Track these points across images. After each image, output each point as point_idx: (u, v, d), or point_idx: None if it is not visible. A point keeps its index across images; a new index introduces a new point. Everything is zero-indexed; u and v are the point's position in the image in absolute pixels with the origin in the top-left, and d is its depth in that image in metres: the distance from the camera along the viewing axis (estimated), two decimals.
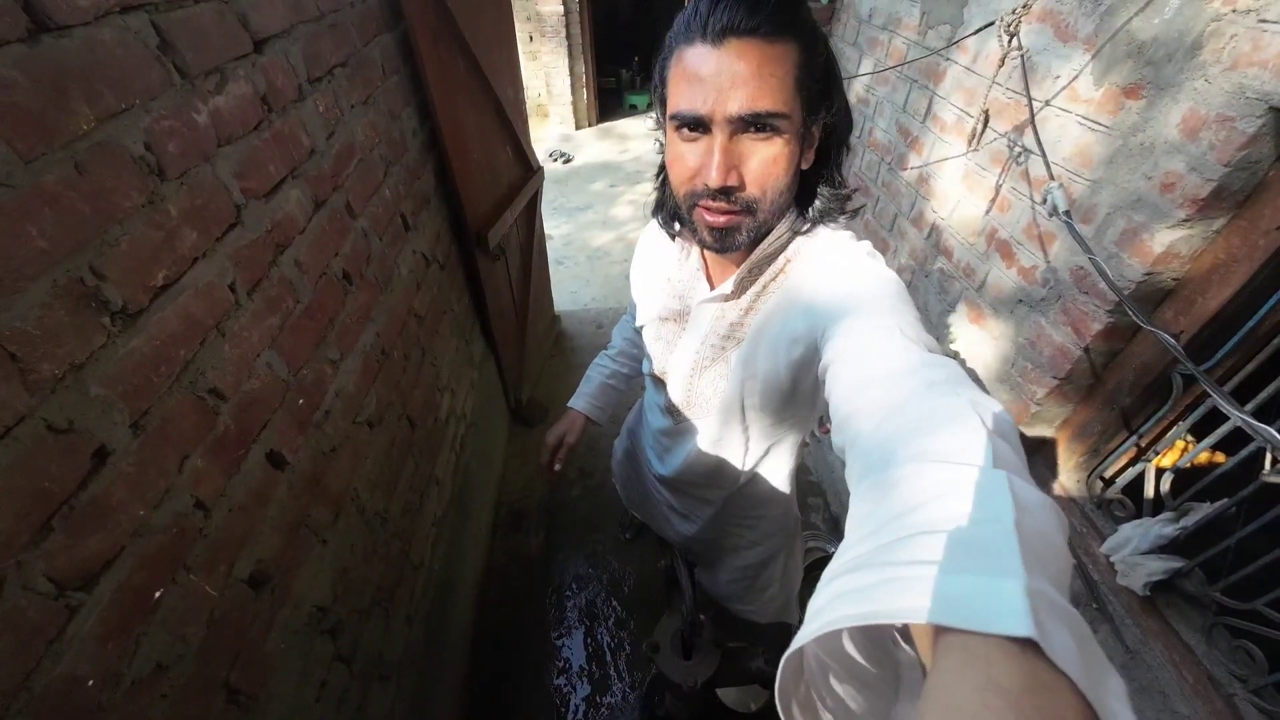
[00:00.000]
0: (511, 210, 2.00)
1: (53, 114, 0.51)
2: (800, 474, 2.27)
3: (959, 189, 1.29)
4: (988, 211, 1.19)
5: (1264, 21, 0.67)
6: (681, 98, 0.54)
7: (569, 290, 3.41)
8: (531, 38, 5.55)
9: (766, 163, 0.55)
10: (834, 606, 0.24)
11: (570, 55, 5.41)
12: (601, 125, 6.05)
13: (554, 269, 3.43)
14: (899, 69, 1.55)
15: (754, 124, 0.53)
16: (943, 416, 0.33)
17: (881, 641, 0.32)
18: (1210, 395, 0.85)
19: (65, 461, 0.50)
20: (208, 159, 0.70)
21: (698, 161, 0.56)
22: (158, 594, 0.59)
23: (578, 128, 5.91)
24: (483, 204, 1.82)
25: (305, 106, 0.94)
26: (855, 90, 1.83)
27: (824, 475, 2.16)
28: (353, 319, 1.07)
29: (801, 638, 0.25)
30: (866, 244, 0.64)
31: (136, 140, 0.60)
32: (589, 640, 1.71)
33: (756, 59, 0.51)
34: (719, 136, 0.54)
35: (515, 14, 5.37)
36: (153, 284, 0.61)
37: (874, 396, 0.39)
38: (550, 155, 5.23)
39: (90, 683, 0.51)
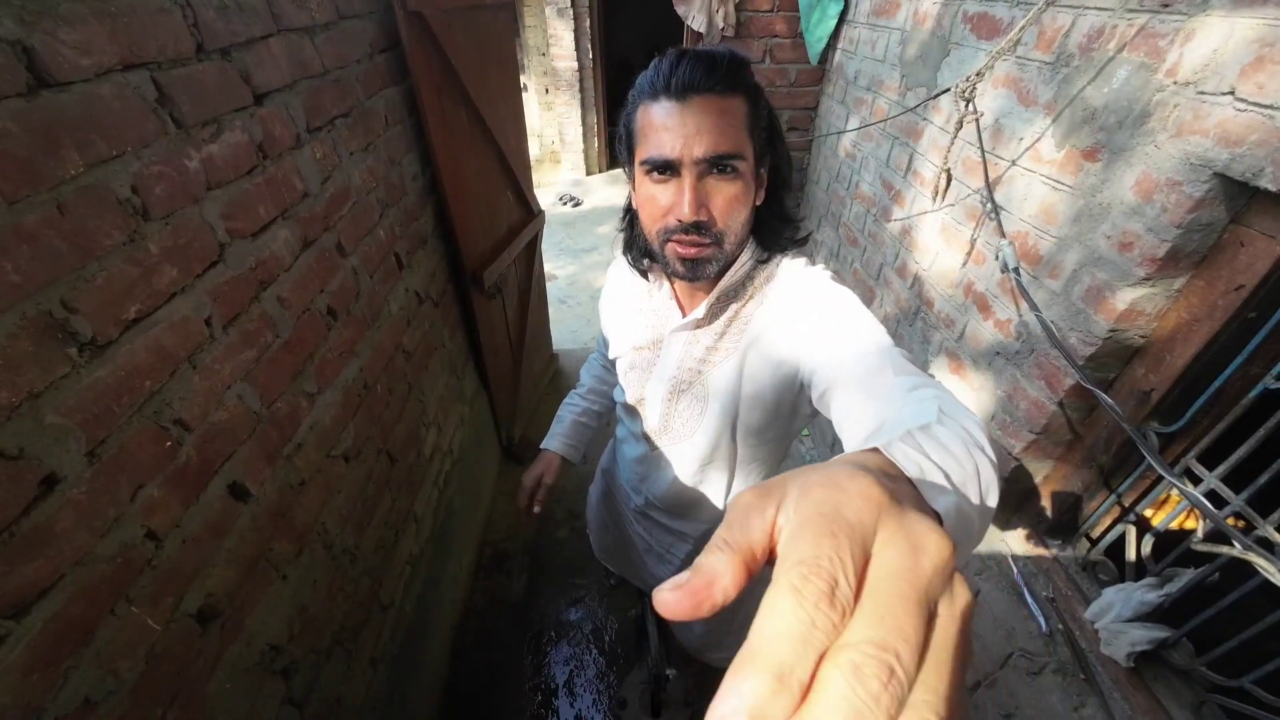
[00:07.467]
0: (510, 251, 2.06)
1: (41, 160, 0.55)
2: None
3: (938, 241, 1.31)
4: (964, 264, 1.21)
5: (1202, 93, 0.70)
6: (651, 145, 0.61)
7: (570, 329, 3.45)
8: (547, 90, 5.85)
9: (730, 199, 0.62)
10: None
11: (583, 106, 5.69)
12: (611, 171, 6.26)
13: (557, 308, 3.48)
14: (882, 125, 1.60)
15: (717, 165, 0.60)
16: (917, 414, 0.42)
17: None
18: (1185, 456, 0.83)
19: (10, 487, 0.51)
20: (196, 201, 0.75)
21: (669, 200, 0.62)
22: (94, 625, 0.59)
23: (588, 173, 6.13)
24: (480, 245, 1.87)
25: (302, 153, 0.99)
26: (843, 145, 1.90)
27: None
28: (335, 353, 1.09)
29: None
30: (821, 267, 0.72)
31: (124, 184, 0.64)
32: (567, 693, 1.64)
33: (715, 110, 0.59)
34: (688, 177, 0.60)
35: (533, 69, 5.68)
36: (125, 317, 0.64)
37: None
38: (560, 199, 5.40)
39: (8, 716, 0.50)
